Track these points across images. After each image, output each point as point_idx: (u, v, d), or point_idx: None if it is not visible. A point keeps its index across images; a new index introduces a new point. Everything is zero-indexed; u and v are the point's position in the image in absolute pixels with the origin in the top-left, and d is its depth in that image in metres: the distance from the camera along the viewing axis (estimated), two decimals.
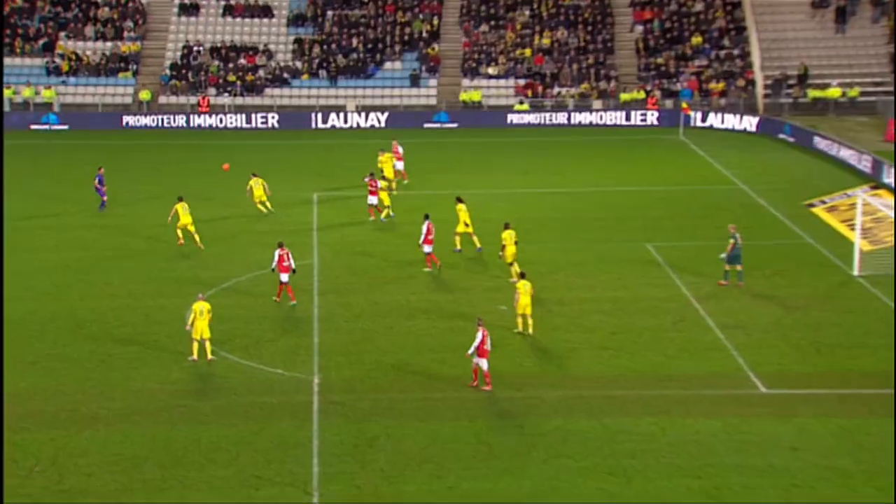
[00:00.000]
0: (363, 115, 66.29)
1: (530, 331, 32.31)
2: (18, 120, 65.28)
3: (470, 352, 28.79)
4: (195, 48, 70.85)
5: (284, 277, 34.82)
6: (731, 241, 36.43)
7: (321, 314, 34.25)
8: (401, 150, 50.88)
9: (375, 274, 38.02)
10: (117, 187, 48.64)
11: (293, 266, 34.91)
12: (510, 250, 36.77)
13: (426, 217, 38.08)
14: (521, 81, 69.32)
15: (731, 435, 26.44)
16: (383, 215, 44.39)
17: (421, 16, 72.82)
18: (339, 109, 67.09)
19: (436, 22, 72.51)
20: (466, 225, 39.72)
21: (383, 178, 45.82)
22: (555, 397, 28.55)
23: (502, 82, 69.60)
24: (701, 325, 33.53)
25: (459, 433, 26.56)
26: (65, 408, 27.58)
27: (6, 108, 66.30)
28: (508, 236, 36.84)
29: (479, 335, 28.52)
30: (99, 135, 63.78)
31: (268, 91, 68.88)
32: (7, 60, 69.00)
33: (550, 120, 66.51)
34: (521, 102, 67.75)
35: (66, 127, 65.12)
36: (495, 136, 63.99)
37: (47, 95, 67.09)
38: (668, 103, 67.66)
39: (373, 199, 44.17)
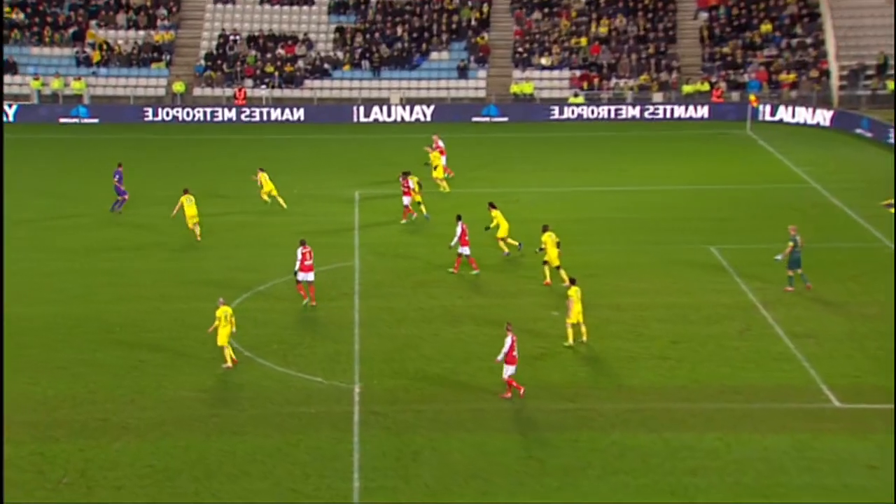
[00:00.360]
0: (408, 108, 66.47)
1: (584, 338, 32.19)
2: (47, 113, 66.26)
3: (499, 358, 28.82)
4: (231, 37, 71.42)
5: (307, 277, 35.03)
6: (791, 243, 36.11)
7: (362, 319, 34.37)
8: (442, 144, 51.11)
9: (419, 277, 38.08)
10: (148, 184, 49.17)
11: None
12: (553, 253, 36.66)
13: (458, 218, 38.15)
14: (577, 72, 69.11)
15: (802, 452, 26.15)
16: (425, 211, 44.55)
17: (470, 3, 72.84)
18: (382, 102, 67.32)
19: (485, 9, 72.52)
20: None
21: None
22: (611, 410, 28.41)
23: (556, 73, 69.45)
24: (769, 334, 33.20)
25: (509, 447, 26.52)
26: (94, 416, 27.89)
27: (35, 100, 67.28)
28: (549, 238, 36.75)
29: (509, 341, 28.56)
30: (130, 128, 64.53)
31: (307, 83, 69.27)
32: (35, 50, 70.05)
33: (607, 114, 66.28)
34: (576, 95, 67.57)
35: (96, 120, 65.97)
36: (548, 131, 63.85)
37: (77, 87, 67.97)
38: (735, 95, 67.14)
39: (406, 200, 44.30)
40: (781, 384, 29.88)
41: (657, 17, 71.71)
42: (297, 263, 34.95)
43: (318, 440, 26.77)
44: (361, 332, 33.41)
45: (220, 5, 73.54)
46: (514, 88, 68.42)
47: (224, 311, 30.50)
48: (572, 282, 32.46)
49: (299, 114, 66.22)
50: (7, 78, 68.21)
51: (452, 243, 38.12)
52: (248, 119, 66.10)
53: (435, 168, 49.03)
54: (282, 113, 66.25)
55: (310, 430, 27.30)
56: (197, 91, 69.08)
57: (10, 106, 65.58)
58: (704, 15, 71.81)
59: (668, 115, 66.06)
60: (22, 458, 25.71)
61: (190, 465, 25.57)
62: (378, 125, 65.79)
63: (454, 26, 71.72)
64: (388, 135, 63.27)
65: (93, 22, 71.99)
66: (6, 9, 71.37)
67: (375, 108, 66.45)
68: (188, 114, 66.13)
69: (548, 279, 36.89)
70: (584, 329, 32.16)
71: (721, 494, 24.47)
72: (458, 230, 37.87)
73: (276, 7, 73.55)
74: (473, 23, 71.84)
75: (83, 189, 50.47)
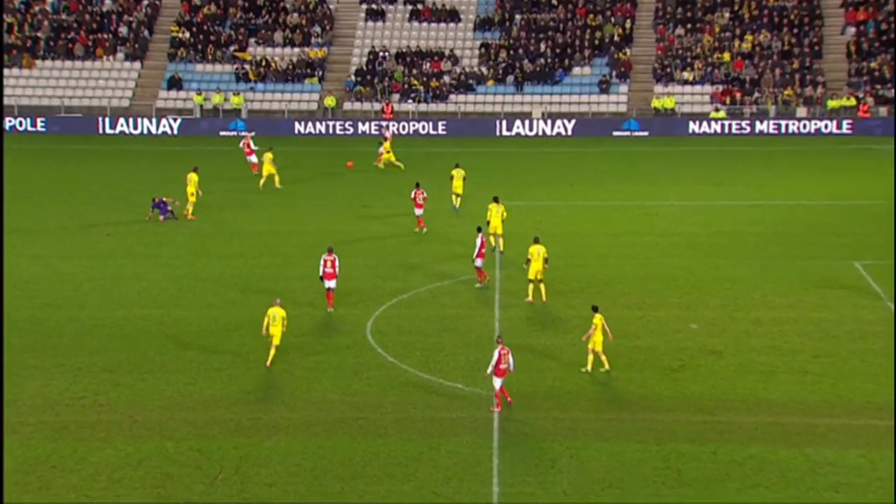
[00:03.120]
0: (549, 122, 66.29)
1: (606, 367, 30.61)
2: (208, 126, 68.36)
3: (488, 372, 28.49)
4: (381, 53, 72.45)
5: (329, 284, 35.43)
6: None
7: (502, 328, 34.37)
8: (389, 134, 56.24)
9: (559, 287, 37.89)
10: (301, 194, 50.21)
11: (337, 273, 35.43)
12: (535, 266, 35.92)
13: (479, 230, 37.92)
14: (719, 87, 67.90)
15: None
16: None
17: (613, 19, 72.31)
18: (524, 117, 67.31)
19: (628, 25, 71.86)
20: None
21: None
22: (751, 423, 27.77)
23: (698, 88, 68.37)
24: None
25: (646, 457, 26.14)
26: (247, 416, 28.54)
27: (197, 114, 69.51)
28: (536, 251, 36.04)
29: (496, 354, 28.23)
30: (283, 141, 65.95)
31: (452, 97, 69.75)
32: (199, 67, 72.38)
33: (748, 128, 64.89)
34: (718, 110, 66.35)
35: (252, 133, 67.59)
36: (688, 145, 62.90)
37: (236, 102, 69.93)
38: (882, 111, 64.94)
39: (419, 211, 44.52)
40: None
41: (803, 32, 69.90)
42: (320, 270, 35.28)
43: (459, 445, 26.83)
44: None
45: (370, 23, 74.71)
46: (656, 103, 67.58)
47: (274, 312, 31.33)
48: (595, 309, 31.35)
49: (443, 127, 66.75)
50: (172, 93, 70.79)
51: (474, 254, 37.56)
52: (395, 131, 66.89)
53: (389, 152, 54.69)
54: (423, 127, 66.86)
55: (450, 434, 27.39)
56: (347, 105, 70.30)
57: (174, 120, 67.95)
58: (852, 29, 69.68)
59: (812, 131, 64.29)
60: (181, 454, 26.48)
61: (336, 466, 25.94)
62: (520, 139, 65.79)
63: (597, 42, 71.28)
64: (529, 148, 63.18)
65: (252, 40, 73.90)
66: (173, 28, 73.95)
67: (518, 123, 66.46)
68: (338, 126, 67.28)
69: (530, 296, 36.15)
70: (604, 358, 30.86)
71: None
72: (478, 242, 37.42)
73: (424, 24, 74.32)
74: (616, 39, 71.26)
75: (238, 198, 51.76)
